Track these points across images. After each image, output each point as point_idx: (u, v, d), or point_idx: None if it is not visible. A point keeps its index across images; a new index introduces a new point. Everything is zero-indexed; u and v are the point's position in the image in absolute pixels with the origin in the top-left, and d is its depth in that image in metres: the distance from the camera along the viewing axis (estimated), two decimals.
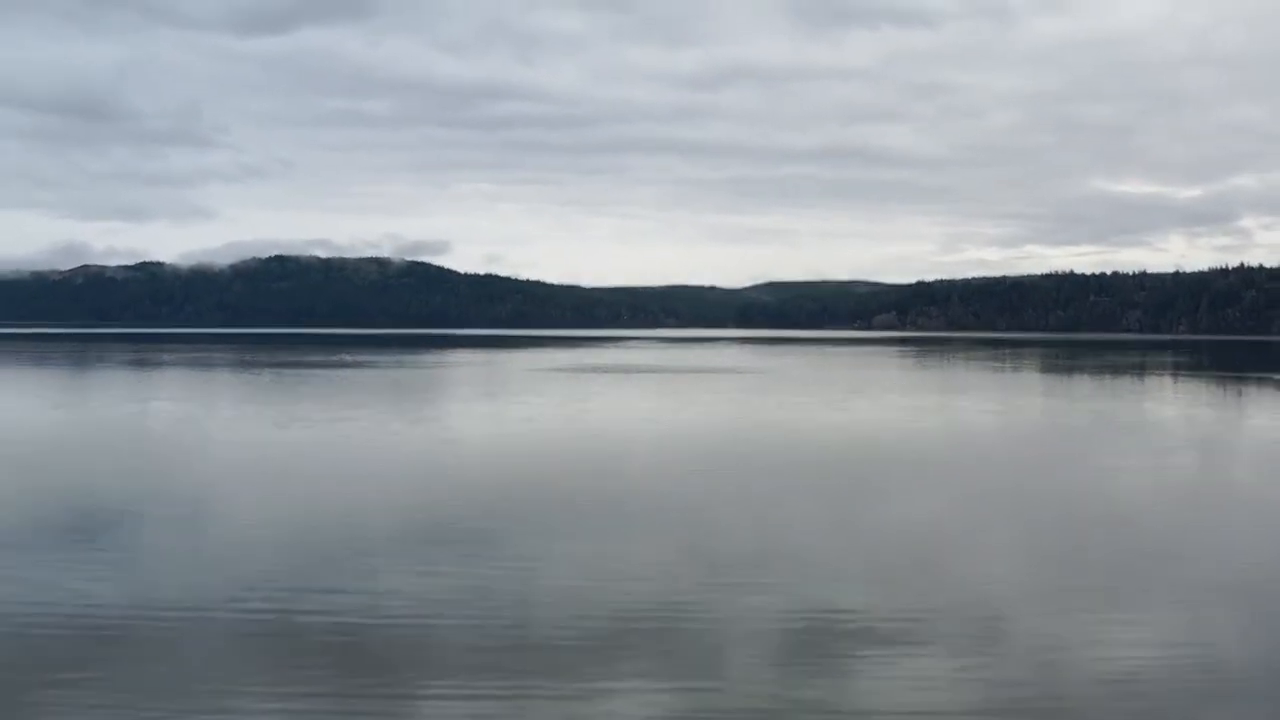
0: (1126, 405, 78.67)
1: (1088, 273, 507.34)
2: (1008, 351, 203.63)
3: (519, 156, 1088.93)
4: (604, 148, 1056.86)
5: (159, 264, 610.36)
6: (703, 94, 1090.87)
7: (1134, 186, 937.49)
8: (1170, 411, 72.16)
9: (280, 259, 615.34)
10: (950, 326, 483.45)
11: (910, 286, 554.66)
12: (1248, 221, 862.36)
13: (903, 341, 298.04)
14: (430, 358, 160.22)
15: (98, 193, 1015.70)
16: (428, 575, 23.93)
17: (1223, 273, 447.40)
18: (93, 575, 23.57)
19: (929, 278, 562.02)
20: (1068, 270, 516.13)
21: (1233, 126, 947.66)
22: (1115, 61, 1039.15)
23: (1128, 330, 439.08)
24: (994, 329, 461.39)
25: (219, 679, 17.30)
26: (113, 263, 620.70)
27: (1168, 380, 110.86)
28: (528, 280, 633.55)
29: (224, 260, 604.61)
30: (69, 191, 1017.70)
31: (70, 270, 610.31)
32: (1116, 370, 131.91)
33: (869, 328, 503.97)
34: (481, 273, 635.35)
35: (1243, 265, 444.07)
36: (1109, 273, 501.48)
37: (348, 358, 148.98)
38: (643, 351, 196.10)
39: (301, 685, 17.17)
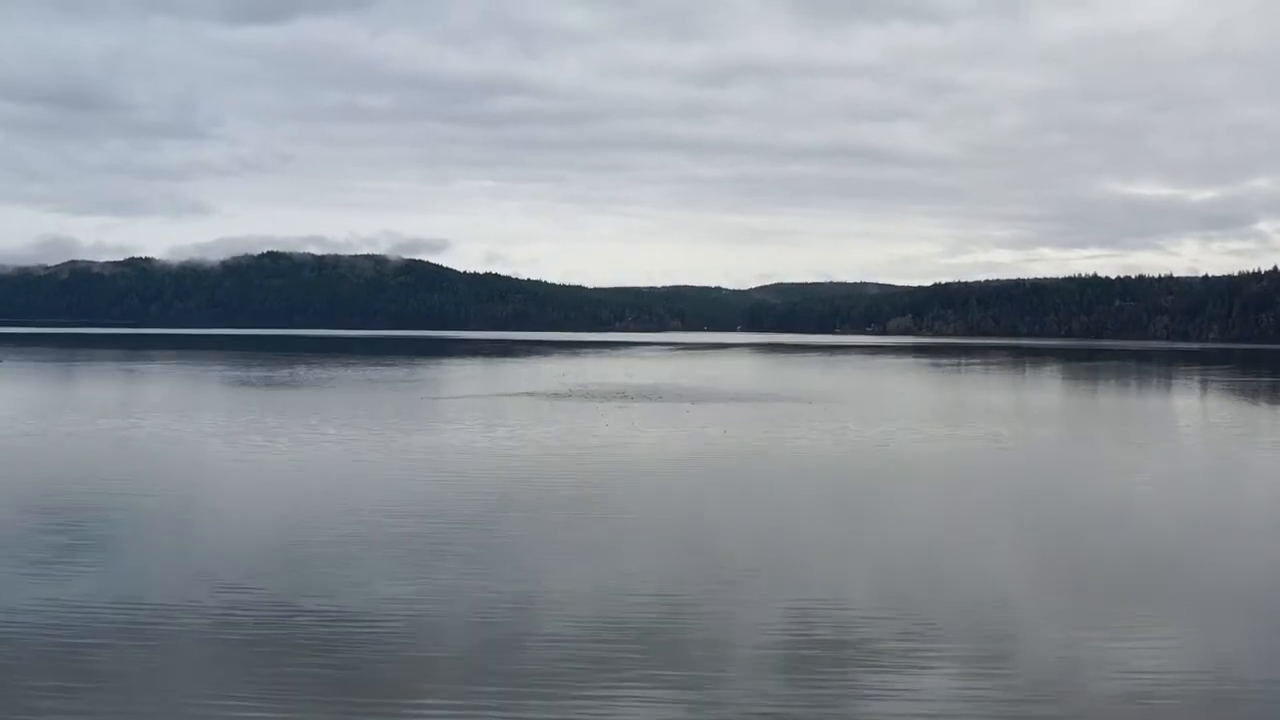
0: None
1: (1111, 276, 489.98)
2: (1075, 365, 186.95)
3: (521, 153, 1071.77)
4: (607, 145, 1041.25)
5: (148, 260, 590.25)
6: (708, 90, 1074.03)
7: (1147, 188, 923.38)
8: None
9: (273, 255, 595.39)
10: (969, 331, 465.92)
11: (925, 289, 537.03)
12: (1264, 225, 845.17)
13: (939, 349, 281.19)
14: (403, 372, 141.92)
15: (88, 186, 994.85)
16: (423, 588, 23.36)
17: (1256, 277, 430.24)
18: (82, 584, 23.21)
19: (939, 280, 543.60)
20: (1087, 273, 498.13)
21: (1248, 127, 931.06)
22: (1128, 60, 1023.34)
23: (1155, 337, 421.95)
24: (1014, 334, 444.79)
25: (211, 688, 16.96)
26: (101, 258, 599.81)
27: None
28: (529, 280, 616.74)
29: (215, 256, 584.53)
30: (59, 185, 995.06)
31: (56, 266, 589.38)
32: (1222, 389, 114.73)
33: (884, 332, 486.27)
34: (481, 272, 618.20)
35: (1276, 269, 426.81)
36: (1134, 276, 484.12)
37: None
38: (663, 363, 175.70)
39: (298, 690, 16.72)
